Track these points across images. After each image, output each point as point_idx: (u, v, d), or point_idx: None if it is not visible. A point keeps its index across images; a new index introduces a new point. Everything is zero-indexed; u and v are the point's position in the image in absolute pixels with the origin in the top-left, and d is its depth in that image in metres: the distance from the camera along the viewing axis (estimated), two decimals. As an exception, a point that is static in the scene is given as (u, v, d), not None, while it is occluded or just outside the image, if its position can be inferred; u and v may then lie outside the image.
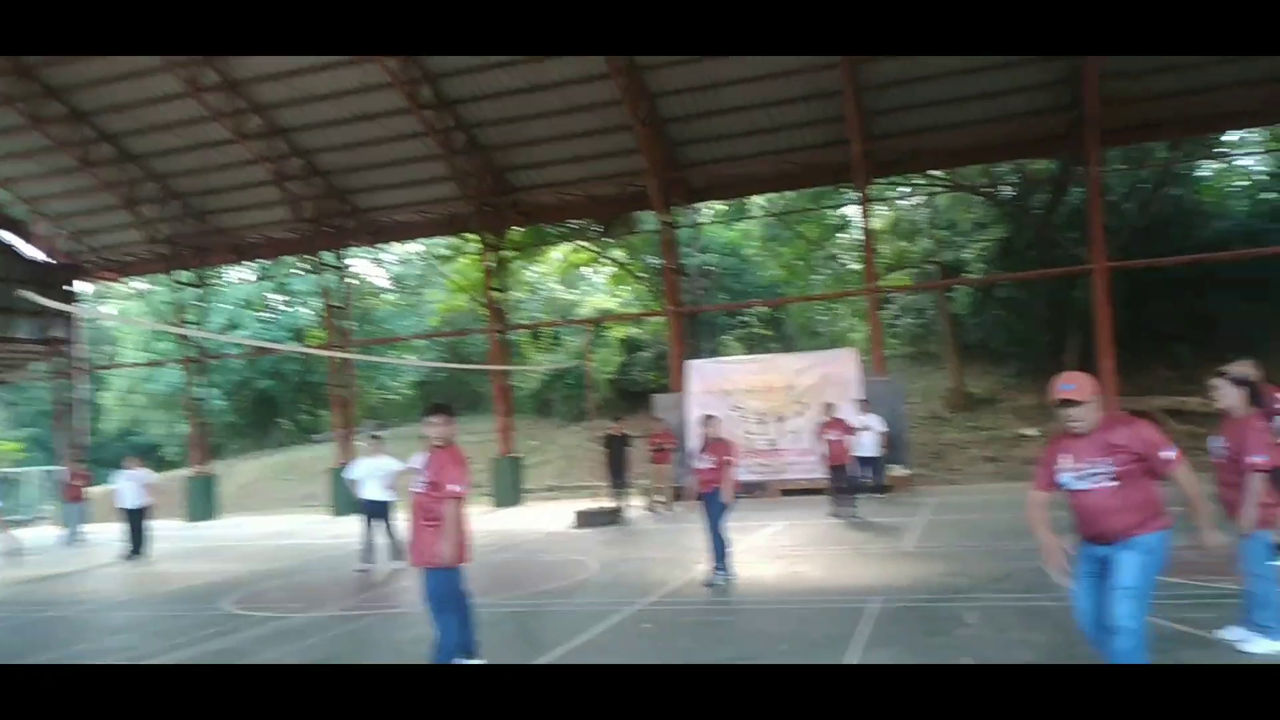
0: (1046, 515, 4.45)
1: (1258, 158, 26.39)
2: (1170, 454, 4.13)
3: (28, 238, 24.46)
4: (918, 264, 28.27)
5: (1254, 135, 22.41)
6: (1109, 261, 17.87)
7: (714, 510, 8.78)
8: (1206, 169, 26.24)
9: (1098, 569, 4.31)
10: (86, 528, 19.44)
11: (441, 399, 32.98)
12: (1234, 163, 26.20)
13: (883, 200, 26.48)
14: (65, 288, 24.88)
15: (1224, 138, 21.80)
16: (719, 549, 8.77)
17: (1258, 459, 5.10)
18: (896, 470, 17.06)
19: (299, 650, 7.19)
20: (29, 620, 9.60)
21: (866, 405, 16.04)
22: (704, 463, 8.92)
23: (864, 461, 15.44)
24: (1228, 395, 5.41)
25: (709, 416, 9.48)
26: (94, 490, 22.89)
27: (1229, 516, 5.29)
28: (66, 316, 24.40)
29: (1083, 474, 4.23)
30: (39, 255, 24.77)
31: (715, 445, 8.97)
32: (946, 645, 5.93)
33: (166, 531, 20.64)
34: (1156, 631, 5.85)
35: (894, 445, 16.78)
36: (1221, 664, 5.07)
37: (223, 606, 9.54)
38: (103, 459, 39.89)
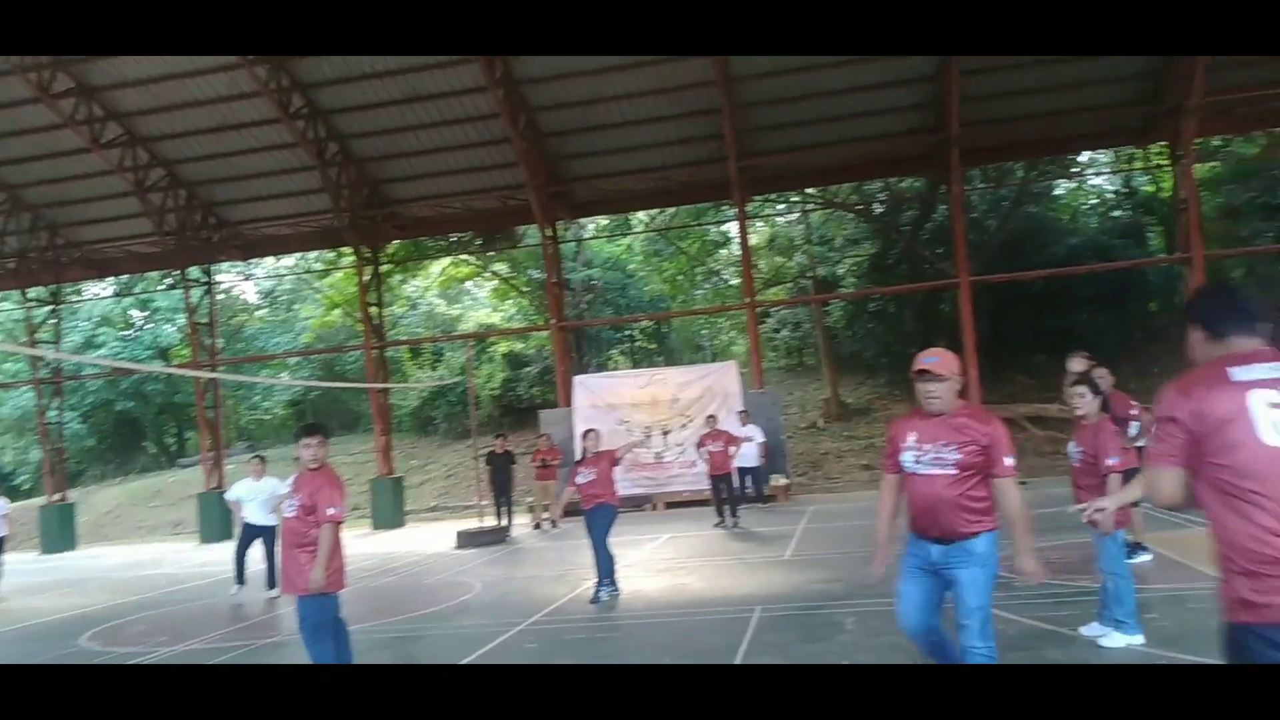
0: (892, 505, 4.32)
1: (1107, 177, 28.18)
2: (1011, 461, 3.95)
3: None
4: (794, 279, 29.02)
5: (1103, 156, 23.90)
6: (972, 276, 18.72)
7: (599, 525, 8.74)
8: (1061, 188, 27.88)
9: (928, 567, 4.08)
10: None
11: (317, 418, 31.99)
12: (1086, 182, 27.92)
13: (760, 217, 27.10)
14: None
15: (1077, 158, 23.15)
16: (605, 564, 8.75)
17: (1112, 461, 5.43)
18: (776, 480, 17.42)
19: (162, 687, 6.81)
20: None
21: (747, 416, 16.35)
22: (586, 477, 8.86)
23: (745, 472, 15.74)
24: (1086, 402, 5.72)
25: (588, 430, 9.46)
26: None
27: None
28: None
29: (924, 457, 3.98)
30: None
31: (596, 459, 8.94)
32: (824, 652, 6.06)
33: (18, 565, 19.30)
34: (1020, 629, 6.13)
35: (773, 455, 17.17)
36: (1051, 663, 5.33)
37: (78, 644, 8.96)
38: (-57, 489, 37.11)
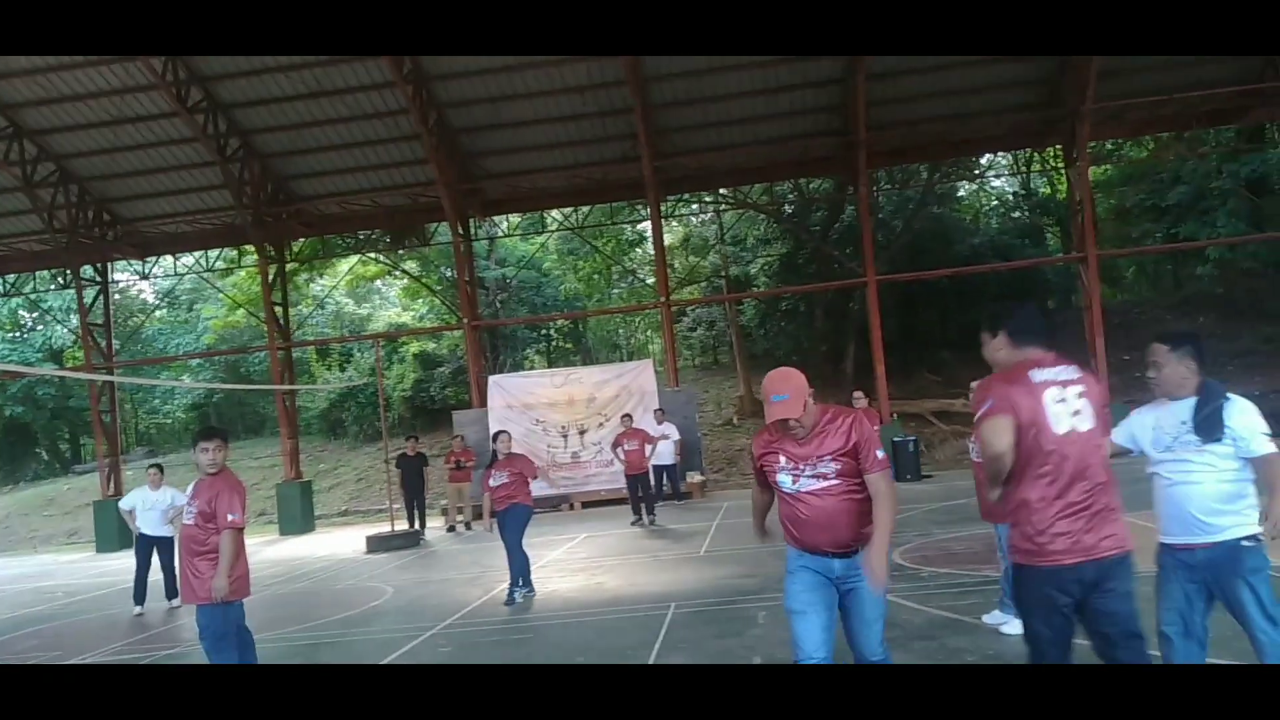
0: (765, 502, 4.14)
1: (1006, 179, 29.19)
2: (881, 454, 3.69)
3: None
4: (708, 278, 29.31)
5: (1003, 159, 24.77)
6: (879, 275, 19.16)
7: (513, 526, 8.67)
8: (964, 189, 28.79)
9: (832, 581, 3.76)
10: None
11: (221, 422, 31.00)
12: (987, 184, 28.90)
13: (675, 216, 27.27)
14: None
15: (979, 160, 23.93)
16: (519, 565, 8.68)
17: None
18: (692, 477, 17.56)
19: (52, 705, 6.50)
20: None
21: (663, 415, 16.41)
22: (499, 479, 8.78)
23: (661, 470, 15.82)
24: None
25: (500, 432, 9.38)
26: None
27: (986, 515, 5.80)
28: None
29: (802, 475, 3.72)
30: None
31: (509, 460, 8.88)
32: (737, 646, 6.12)
33: (-108, 582, 18.23)
34: (925, 619, 6.29)
35: (689, 453, 17.30)
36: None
37: (-40, 663, 8.50)
38: None
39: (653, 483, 15.03)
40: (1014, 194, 30.16)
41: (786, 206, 25.18)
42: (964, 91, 18.39)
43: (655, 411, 16.61)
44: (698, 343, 32.47)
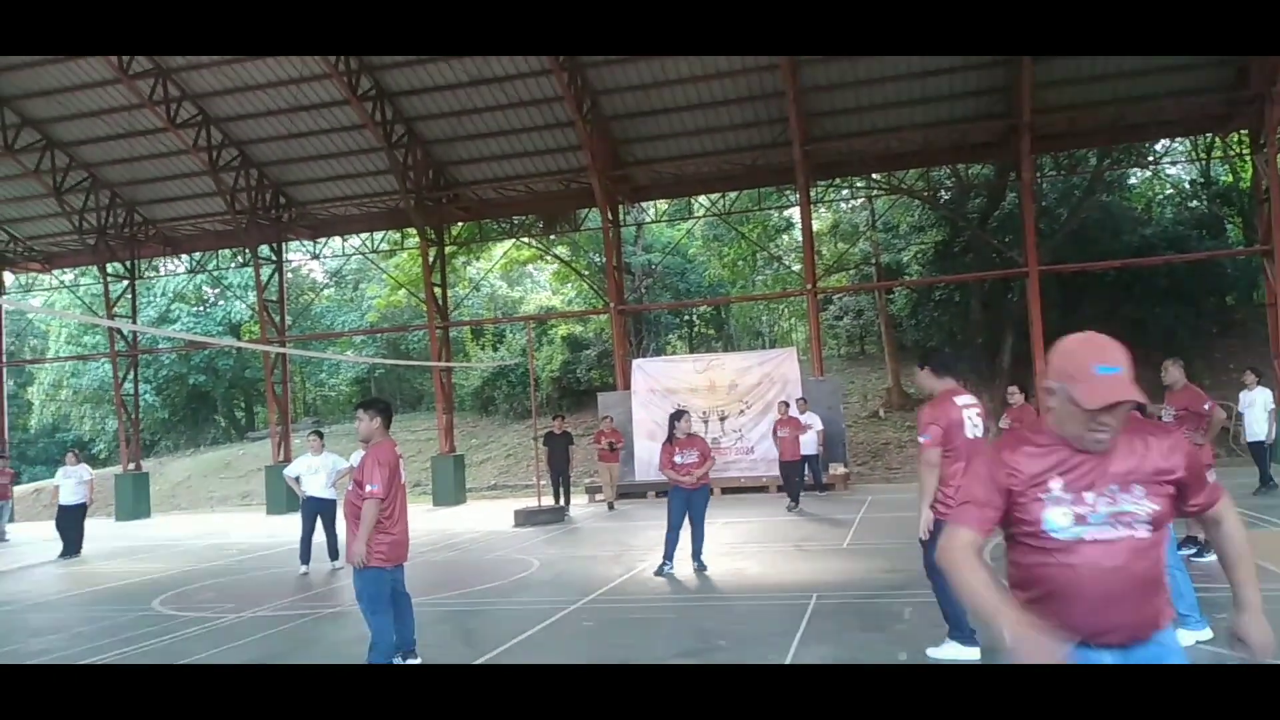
0: (984, 573, 2.32)
1: (1183, 166, 27.29)
2: (1213, 476, 2.72)
3: (-53, 226, 23.58)
4: (857, 266, 28.69)
5: (1180, 145, 23.18)
6: (1041, 265, 18.31)
7: (703, 504, 9.34)
8: (1135, 176, 27.09)
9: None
10: (11, 527, 18.77)
11: (381, 396, 32.76)
12: (1162, 171, 27.09)
13: (824, 202, 26.80)
14: (-13, 279, 24.04)
15: (1153, 146, 22.47)
16: (696, 541, 9.29)
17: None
18: (835, 468, 17.31)
19: (230, 650, 7.04)
20: (-55, 623, 9.24)
21: (805, 404, 16.24)
22: (689, 456, 9.20)
23: (803, 459, 15.68)
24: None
25: (682, 412, 9.72)
26: (19, 489, 22.16)
27: None
28: (-12, 308, 23.60)
29: (1097, 514, 2.26)
30: (-41, 245, 23.88)
31: (691, 440, 9.32)
32: (881, 641, 6.03)
33: (96, 530, 20.06)
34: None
35: (832, 443, 17.06)
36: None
37: (153, 607, 9.29)
38: (28, 456, 38.75)
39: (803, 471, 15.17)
40: (1191, 182, 28.15)
41: (943, 193, 24.35)
42: (1139, 72, 17.28)
43: (797, 401, 16.45)
44: (844, 332, 31.86)
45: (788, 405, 15.45)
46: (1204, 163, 25.83)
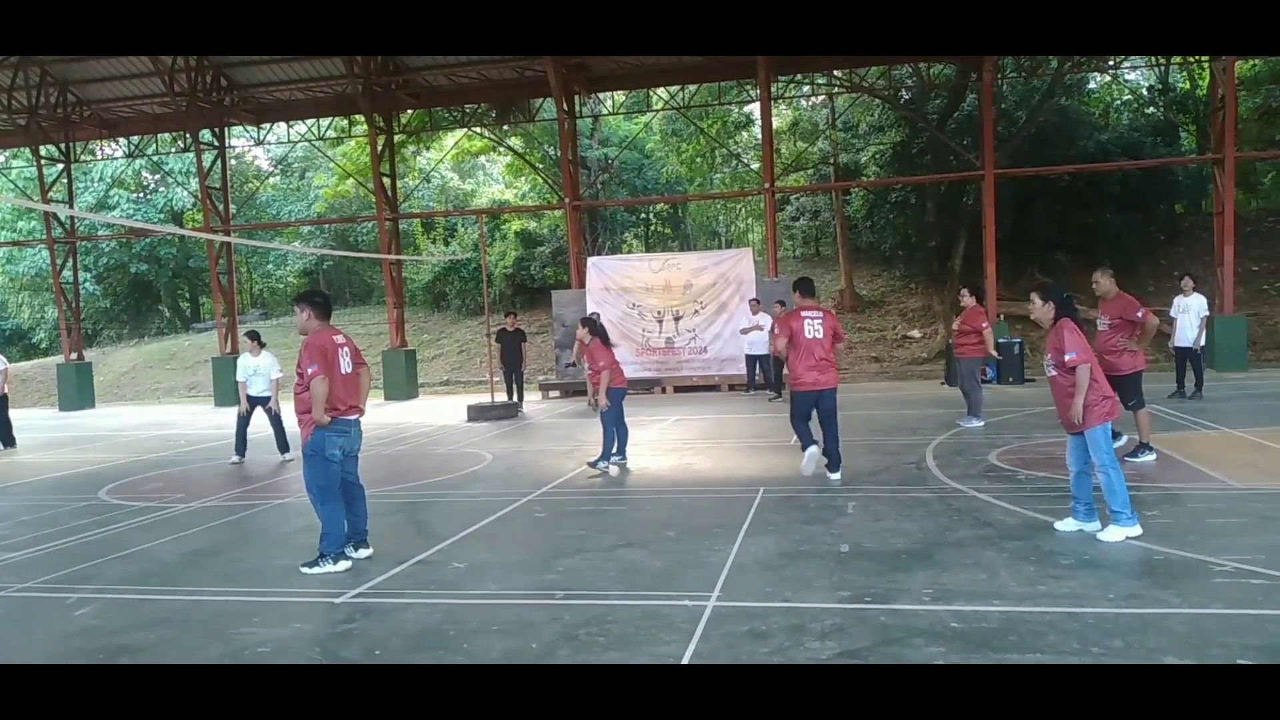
0: None
1: (1142, 72, 27.22)
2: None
3: None
4: (815, 166, 28.48)
5: (1140, 50, 23.02)
6: (998, 169, 18.32)
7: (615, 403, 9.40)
8: (1094, 81, 26.99)
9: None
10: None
11: (330, 288, 31.93)
12: (1121, 75, 27.00)
13: (784, 99, 26.39)
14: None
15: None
16: (619, 439, 9.41)
17: (1071, 357, 5.63)
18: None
19: (179, 540, 7.03)
20: (-117, 511, 9.08)
21: (759, 305, 16.30)
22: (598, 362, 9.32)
23: (755, 360, 15.83)
24: (1038, 309, 5.97)
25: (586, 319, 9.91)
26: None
27: (1066, 426, 5.90)
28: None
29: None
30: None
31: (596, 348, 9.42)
32: (824, 534, 6.18)
33: (37, 421, 19.74)
34: (1021, 520, 6.23)
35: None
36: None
37: (99, 497, 9.22)
38: (-39, 344, 37.66)
39: (745, 373, 15.30)
40: (1150, 88, 28.14)
41: (904, 92, 24.08)
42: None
43: (751, 301, 16.50)
44: (800, 233, 31.83)
45: (758, 302, 16.32)
46: (1163, 69, 25.79)
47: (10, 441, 14.26)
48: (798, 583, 5.07)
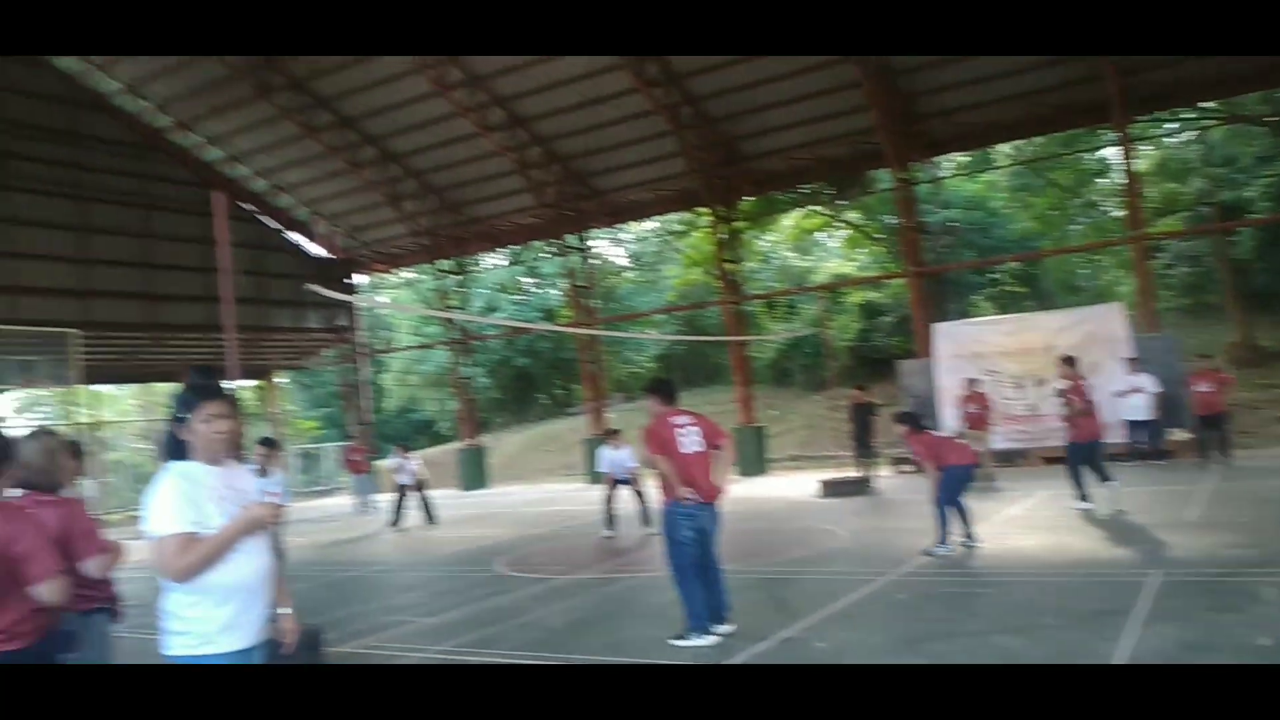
0: None
1: None
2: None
3: (311, 237, 27.36)
4: (1191, 207, 25.62)
5: None
6: None
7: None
8: None
9: None
10: (377, 497, 21.45)
11: (682, 372, 33.57)
12: None
13: (1146, 139, 24.18)
14: (345, 280, 27.70)
15: None
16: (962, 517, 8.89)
17: None
18: (1176, 434, 15.61)
19: (568, 609, 7.68)
20: (333, 579, 10.85)
21: (1136, 364, 14.82)
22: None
23: (1137, 425, 14.34)
24: None
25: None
26: (378, 463, 25.24)
27: None
28: (348, 306, 27.15)
29: None
30: (321, 252, 27.65)
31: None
32: (1239, 622, 5.44)
33: (443, 500, 22.52)
34: None
35: (1171, 407, 15.36)
36: None
37: (495, 568, 10.33)
38: (387, 434, 44.08)
39: (1126, 440, 13.80)
40: None
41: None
42: None
43: (1127, 361, 15.03)
44: (1178, 282, 28.58)
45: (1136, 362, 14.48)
46: None
47: (434, 519, 16.40)
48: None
